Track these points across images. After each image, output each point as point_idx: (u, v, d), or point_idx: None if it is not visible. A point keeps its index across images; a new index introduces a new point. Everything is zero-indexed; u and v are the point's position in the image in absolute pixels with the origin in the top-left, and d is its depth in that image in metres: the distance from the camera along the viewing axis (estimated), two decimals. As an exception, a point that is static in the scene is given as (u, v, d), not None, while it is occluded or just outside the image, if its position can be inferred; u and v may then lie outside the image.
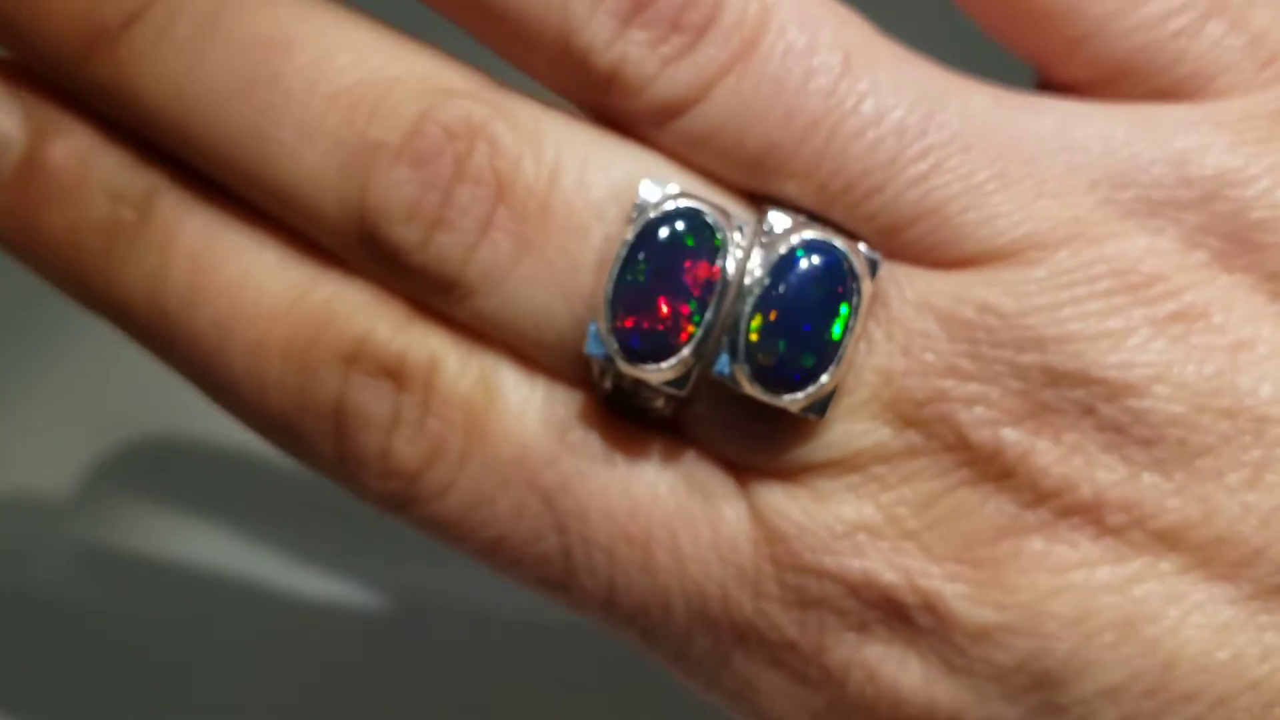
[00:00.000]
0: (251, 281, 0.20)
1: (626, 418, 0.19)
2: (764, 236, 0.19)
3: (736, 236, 0.18)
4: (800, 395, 0.18)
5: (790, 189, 0.19)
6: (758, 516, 0.19)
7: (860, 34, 0.19)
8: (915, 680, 0.19)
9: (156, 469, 0.31)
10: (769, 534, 0.19)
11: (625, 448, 0.19)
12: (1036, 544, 0.18)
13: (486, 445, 0.19)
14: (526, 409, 0.19)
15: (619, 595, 0.20)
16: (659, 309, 0.18)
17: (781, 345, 0.18)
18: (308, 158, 0.19)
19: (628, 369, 0.18)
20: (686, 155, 0.19)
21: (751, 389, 0.18)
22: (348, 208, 0.19)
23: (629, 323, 0.18)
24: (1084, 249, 0.18)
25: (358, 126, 0.19)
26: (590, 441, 0.19)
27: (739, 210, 0.19)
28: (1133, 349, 0.18)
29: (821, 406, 0.18)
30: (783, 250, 0.18)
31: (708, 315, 0.18)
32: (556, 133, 0.19)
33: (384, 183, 0.19)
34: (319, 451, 0.20)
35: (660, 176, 0.19)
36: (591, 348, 0.18)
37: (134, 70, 0.19)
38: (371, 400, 0.19)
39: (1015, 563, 0.18)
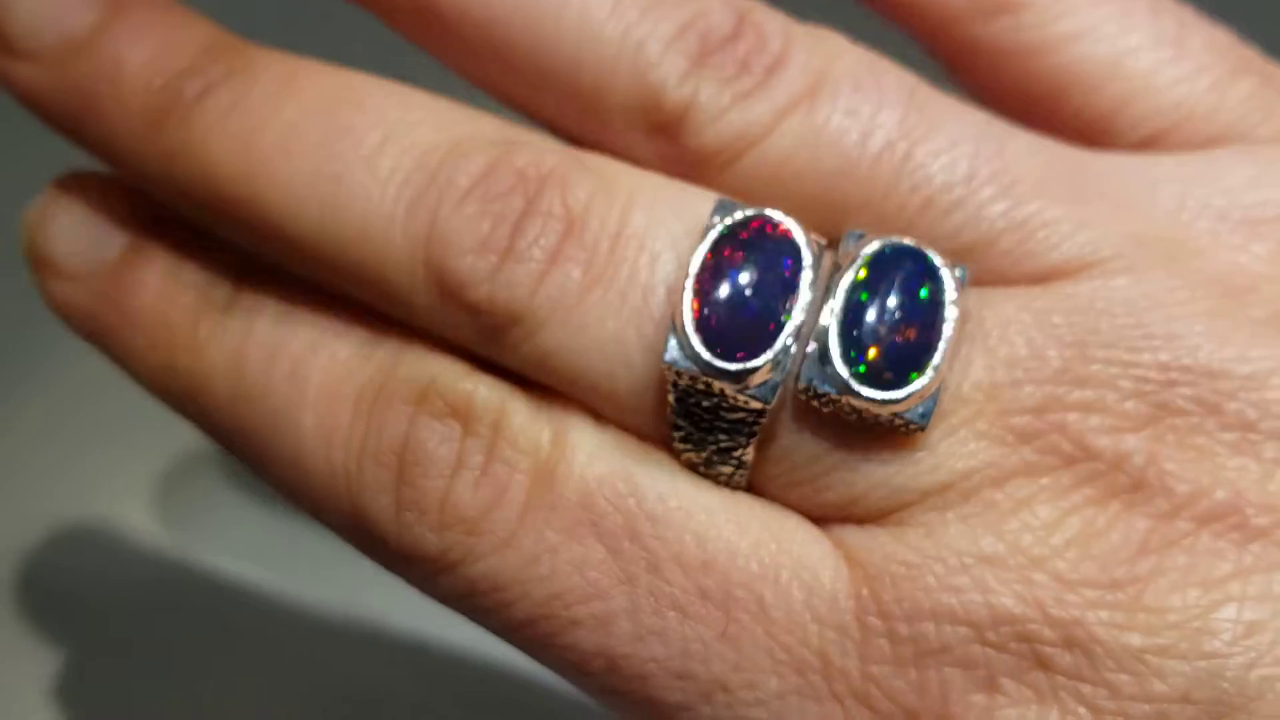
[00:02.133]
0: (326, 342, 0.19)
1: (701, 476, 0.18)
2: (843, 252, 0.18)
3: (815, 248, 0.17)
4: (900, 395, 0.17)
5: (867, 216, 0.18)
6: (856, 564, 0.17)
7: (920, 83, 0.19)
8: None
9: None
10: (872, 581, 0.17)
11: (698, 494, 0.18)
12: (1179, 558, 0.16)
13: (552, 490, 0.18)
14: (595, 455, 0.18)
15: (693, 666, 0.17)
16: (742, 302, 0.17)
17: (870, 347, 0.17)
18: (376, 197, 0.18)
19: (711, 369, 0.17)
20: (758, 196, 0.19)
21: (847, 392, 0.17)
22: (414, 242, 0.18)
23: (709, 314, 0.17)
24: (1176, 260, 0.18)
25: (430, 169, 0.18)
26: (660, 486, 0.18)
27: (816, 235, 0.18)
28: (1244, 343, 0.17)
29: (924, 412, 0.17)
30: (868, 251, 0.17)
31: (795, 311, 0.17)
32: (629, 177, 0.19)
33: (453, 216, 0.18)
34: (377, 506, 0.18)
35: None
36: (670, 353, 0.17)
37: (206, 133, 0.19)
38: (436, 441, 0.18)
39: (1161, 580, 0.16)
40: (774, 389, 0.17)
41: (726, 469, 0.18)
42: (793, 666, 0.17)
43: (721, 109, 0.18)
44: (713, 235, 0.17)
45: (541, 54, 0.19)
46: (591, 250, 0.18)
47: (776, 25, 0.19)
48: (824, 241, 0.18)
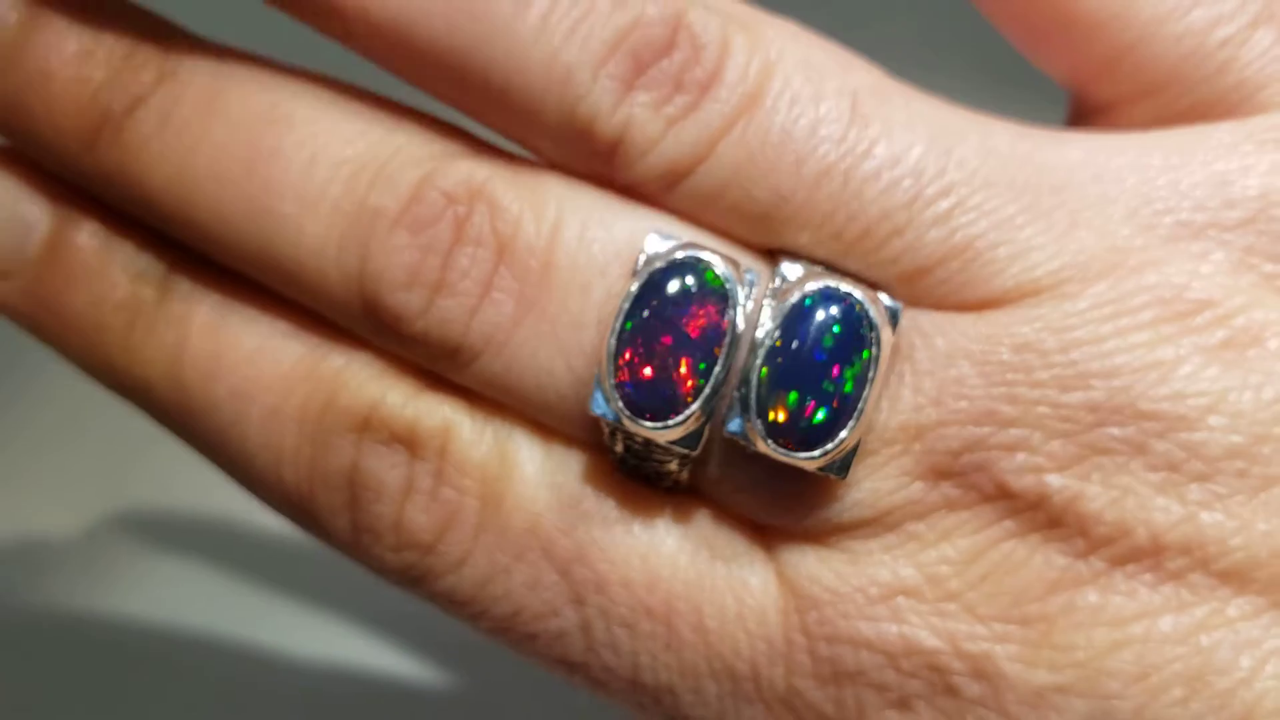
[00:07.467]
0: (267, 353, 0.20)
1: (642, 483, 0.18)
2: (776, 288, 0.18)
3: (746, 289, 0.17)
4: (817, 453, 0.17)
5: (804, 239, 0.18)
6: (785, 582, 0.18)
7: (868, 78, 0.18)
8: None
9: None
10: (799, 601, 0.18)
11: (642, 514, 0.18)
12: (1091, 596, 0.17)
13: (501, 513, 0.18)
14: (541, 476, 0.18)
15: (643, 674, 0.18)
16: (663, 363, 0.17)
17: (793, 399, 0.17)
18: (309, 229, 0.19)
19: (634, 428, 0.17)
20: (696, 215, 0.18)
21: (765, 448, 0.17)
22: (349, 277, 0.19)
23: (630, 378, 0.17)
24: (1125, 278, 0.17)
25: (358, 195, 0.19)
26: (605, 509, 0.18)
27: (751, 262, 0.18)
28: (1184, 378, 0.17)
29: (843, 465, 0.17)
30: (794, 299, 0.17)
31: (716, 369, 0.17)
32: (558, 192, 0.18)
33: (384, 249, 0.18)
34: (335, 526, 0.19)
35: (667, 233, 0.18)
36: (597, 407, 0.17)
37: (138, 153, 0.19)
38: (385, 468, 0.19)
39: (1069, 618, 0.17)
40: (698, 437, 0.17)
41: (664, 485, 0.18)
42: (727, 674, 0.18)
43: (655, 139, 0.18)
44: (636, 285, 0.17)
45: (470, 72, 0.18)
46: (522, 279, 0.18)
47: (713, 26, 0.18)
48: (753, 275, 0.18)
